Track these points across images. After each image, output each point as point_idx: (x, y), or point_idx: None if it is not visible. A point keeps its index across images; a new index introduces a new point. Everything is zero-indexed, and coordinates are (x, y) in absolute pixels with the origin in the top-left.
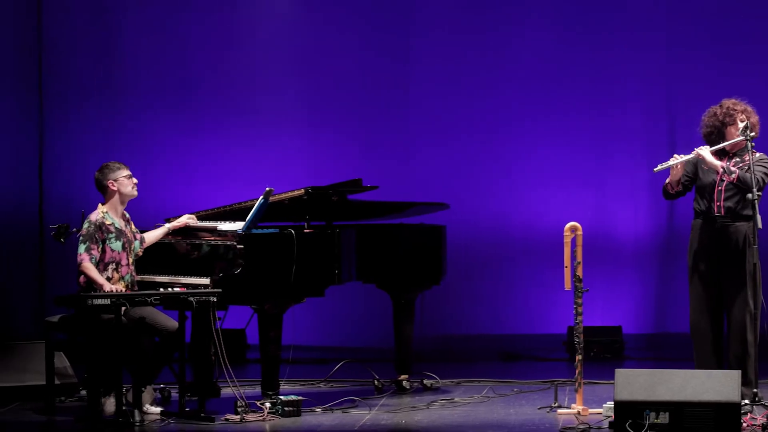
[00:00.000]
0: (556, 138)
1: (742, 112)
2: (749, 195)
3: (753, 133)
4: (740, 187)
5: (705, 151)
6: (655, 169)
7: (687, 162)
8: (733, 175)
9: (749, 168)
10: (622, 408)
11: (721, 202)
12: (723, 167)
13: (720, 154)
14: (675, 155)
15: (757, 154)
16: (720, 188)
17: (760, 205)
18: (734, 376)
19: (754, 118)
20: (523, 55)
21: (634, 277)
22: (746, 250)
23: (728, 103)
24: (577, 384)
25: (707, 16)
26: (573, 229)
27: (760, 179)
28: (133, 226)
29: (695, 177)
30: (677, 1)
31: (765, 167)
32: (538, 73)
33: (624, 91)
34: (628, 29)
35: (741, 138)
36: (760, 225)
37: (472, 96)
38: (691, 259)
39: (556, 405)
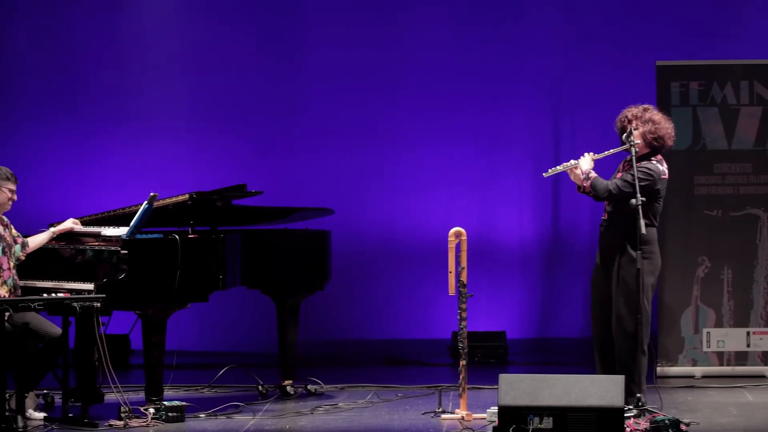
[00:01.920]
0: (441, 142)
1: (634, 120)
2: (633, 201)
3: (638, 141)
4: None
5: (585, 160)
6: (545, 174)
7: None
8: (587, 182)
9: (633, 175)
10: (506, 413)
11: (606, 207)
12: (584, 172)
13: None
14: (572, 160)
15: (644, 163)
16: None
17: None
18: (618, 381)
19: (650, 127)
20: (410, 60)
21: (518, 282)
22: (627, 255)
23: (627, 110)
24: (461, 389)
25: (593, 20)
26: (457, 235)
27: (615, 186)
28: (13, 230)
29: None
30: (563, 4)
31: (631, 177)
32: (424, 78)
33: (509, 95)
34: (515, 34)
35: (623, 147)
36: (643, 230)
37: (358, 101)
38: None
39: (440, 410)
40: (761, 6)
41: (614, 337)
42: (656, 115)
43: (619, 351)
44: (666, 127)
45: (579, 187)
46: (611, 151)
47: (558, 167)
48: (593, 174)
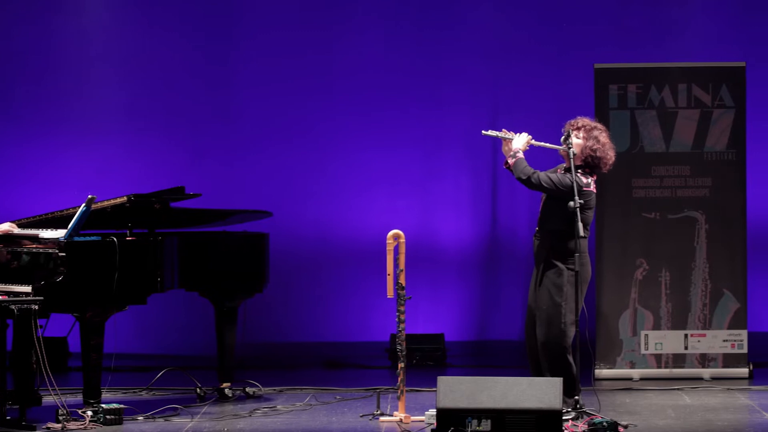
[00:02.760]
0: (380, 145)
1: (582, 129)
2: (571, 203)
3: (575, 150)
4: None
5: (519, 138)
6: (483, 132)
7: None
8: (513, 159)
9: (569, 177)
10: (444, 415)
11: (539, 211)
12: (513, 150)
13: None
14: (504, 130)
15: (578, 173)
16: (540, 198)
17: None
18: (556, 383)
19: (593, 144)
20: (349, 60)
21: (456, 285)
22: (551, 265)
23: (580, 118)
24: (399, 391)
25: (532, 23)
26: (396, 237)
27: (538, 177)
28: None
29: None
30: (501, 7)
31: (557, 177)
32: (363, 80)
33: (448, 97)
34: (453, 36)
35: (561, 147)
36: (581, 233)
37: (296, 102)
38: None
39: (378, 412)
40: (699, 9)
41: (539, 345)
42: (604, 138)
43: (546, 358)
44: (609, 153)
45: (506, 163)
46: (548, 144)
47: (499, 133)
48: (521, 155)
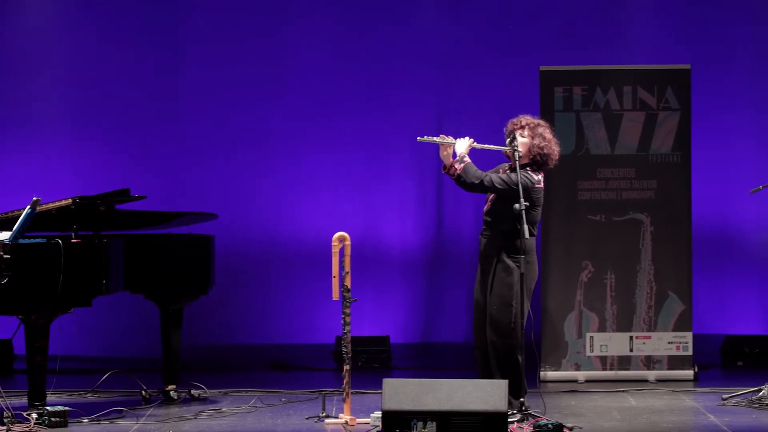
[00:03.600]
0: (326, 147)
1: (526, 128)
2: (516, 205)
3: (520, 149)
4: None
5: (462, 141)
6: (419, 138)
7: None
8: (461, 165)
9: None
10: (390, 417)
11: (485, 217)
12: (459, 155)
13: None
14: (442, 135)
15: (524, 171)
16: (486, 197)
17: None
18: (501, 385)
19: (539, 141)
20: (294, 63)
21: (402, 287)
22: (502, 263)
23: (522, 117)
24: (344, 394)
25: (477, 25)
26: (341, 239)
27: (490, 180)
28: None
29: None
30: (448, 9)
31: (507, 177)
32: (309, 82)
33: (394, 100)
34: (399, 38)
35: (506, 148)
36: (527, 235)
37: (242, 105)
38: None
39: (323, 415)
40: (644, 12)
41: (489, 345)
42: (548, 134)
43: (495, 358)
44: (554, 149)
45: (444, 167)
46: (491, 146)
47: (435, 138)
48: (468, 159)
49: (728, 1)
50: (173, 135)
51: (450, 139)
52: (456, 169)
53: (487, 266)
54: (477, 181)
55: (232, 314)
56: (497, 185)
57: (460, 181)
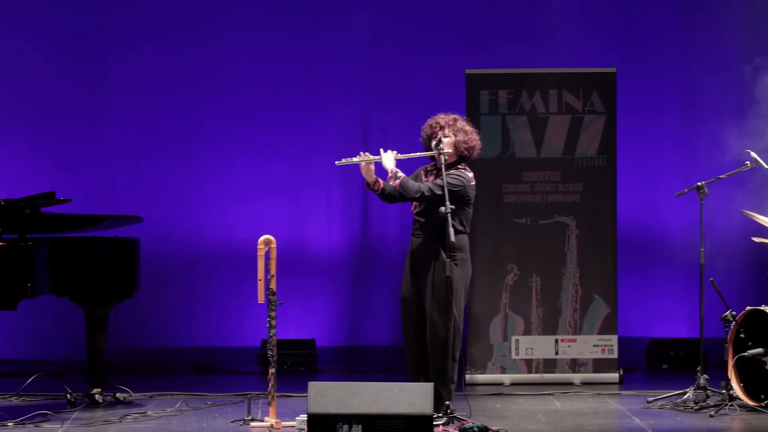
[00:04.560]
0: (252, 150)
1: (447, 127)
2: (442, 208)
3: (447, 150)
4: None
5: (388, 156)
6: (337, 162)
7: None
8: (397, 181)
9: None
10: (315, 421)
11: (416, 217)
12: (391, 171)
13: (434, 169)
14: (362, 153)
15: (452, 171)
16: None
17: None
18: (427, 388)
19: (463, 137)
20: (222, 68)
21: (327, 290)
22: (441, 262)
23: (437, 117)
24: (270, 397)
25: (404, 29)
26: (267, 242)
27: (428, 188)
28: None
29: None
30: (374, 14)
31: (442, 181)
32: (235, 85)
33: (319, 103)
34: (325, 39)
35: (432, 152)
36: (452, 237)
37: (169, 108)
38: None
39: (249, 418)
40: (570, 16)
41: (428, 345)
42: (467, 126)
43: (432, 358)
44: (476, 138)
45: (368, 184)
46: (417, 154)
47: (354, 158)
48: (401, 173)
49: (654, 5)
50: (100, 139)
51: (371, 157)
52: (395, 185)
53: (421, 267)
54: (418, 195)
55: (158, 317)
56: (437, 192)
57: (390, 196)
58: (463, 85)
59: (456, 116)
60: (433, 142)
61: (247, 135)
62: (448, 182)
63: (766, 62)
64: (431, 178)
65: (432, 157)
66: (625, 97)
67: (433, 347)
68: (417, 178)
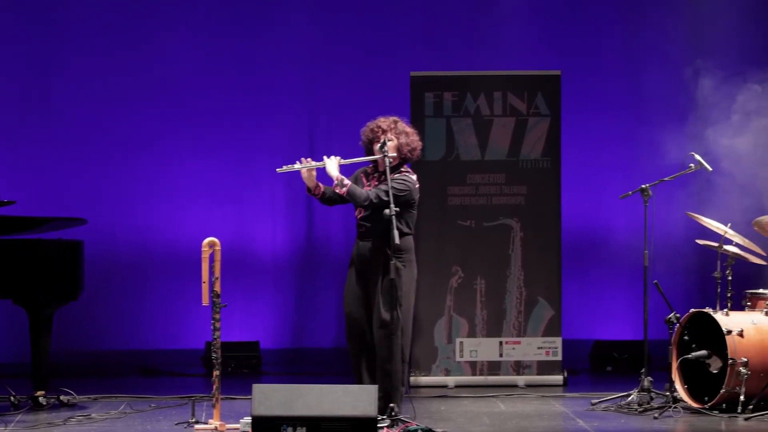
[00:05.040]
0: (197, 153)
1: (389, 131)
2: (386, 211)
3: (392, 154)
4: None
5: (331, 162)
6: (278, 169)
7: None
8: (344, 189)
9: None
10: (260, 423)
11: (361, 220)
12: (336, 179)
13: (374, 172)
14: (303, 159)
15: (397, 175)
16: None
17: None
18: (371, 390)
19: (405, 139)
20: (167, 69)
21: (272, 292)
22: (392, 263)
23: (378, 121)
24: (214, 399)
25: (349, 31)
26: (211, 245)
27: (376, 195)
28: None
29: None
30: (319, 16)
31: (388, 187)
32: (180, 89)
33: (265, 106)
34: (269, 42)
35: (376, 156)
36: (397, 240)
37: (114, 110)
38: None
39: (193, 420)
40: (515, 18)
41: (377, 348)
42: (407, 128)
43: (381, 361)
44: (417, 139)
45: (309, 189)
46: (361, 159)
47: (296, 165)
48: (347, 180)
49: (598, 8)
50: (45, 141)
51: (314, 164)
52: (342, 193)
53: (369, 270)
54: (367, 203)
55: (103, 319)
56: (385, 197)
57: (330, 200)
58: (408, 87)
59: (396, 118)
60: (377, 146)
61: (191, 138)
62: (394, 187)
63: (707, 64)
64: (374, 182)
65: (373, 160)
66: (570, 99)
67: (382, 350)
68: (357, 181)
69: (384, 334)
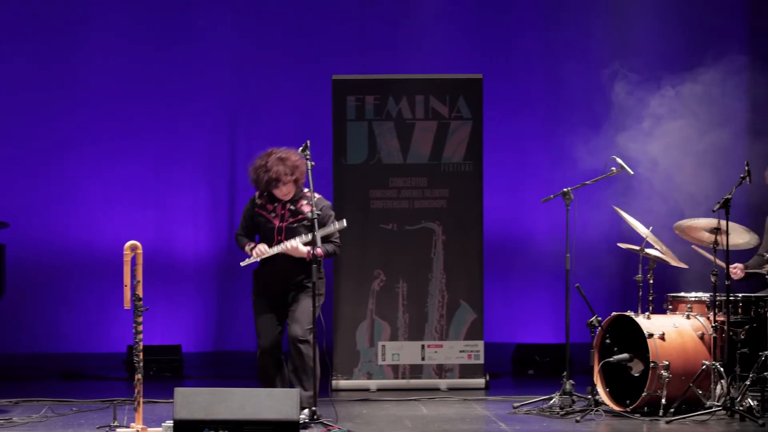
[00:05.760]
0: (118, 156)
1: (292, 174)
2: (309, 214)
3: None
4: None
5: (294, 244)
6: (242, 263)
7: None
8: (322, 252)
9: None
10: (182, 427)
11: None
12: (309, 253)
13: (274, 199)
14: (259, 250)
15: (311, 197)
16: (280, 235)
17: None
18: (293, 394)
19: (300, 174)
20: (91, 71)
21: (194, 296)
22: (310, 279)
23: (272, 171)
24: (136, 403)
25: (270, 35)
26: (133, 248)
27: (333, 248)
28: None
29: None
30: (242, 19)
31: (329, 229)
32: (102, 90)
33: (186, 110)
34: (192, 45)
35: (313, 213)
36: (319, 243)
37: (34, 112)
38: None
39: (115, 424)
40: (438, 22)
41: (297, 357)
42: (292, 156)
43: (303, 369)
44: (299, 158)
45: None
46: (323, 231)
47: (251, 258)
48: (319, 249)
49: (519, 12)
50: None
51: (274, 250)
52: (323, 255)
53: (286, 289)
54: (338, 249)
55: (24, 323)
56: (338, 242)
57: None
58: (330, 91)
59: (280, 155)
60: (285, 186)
61: (113, 140)
62: (318, 214)
63: (623, 68)
64: (280, 209)
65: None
66: (492, 102)
67: (304, 359)
68: (255, 218)
69: (306, 345)
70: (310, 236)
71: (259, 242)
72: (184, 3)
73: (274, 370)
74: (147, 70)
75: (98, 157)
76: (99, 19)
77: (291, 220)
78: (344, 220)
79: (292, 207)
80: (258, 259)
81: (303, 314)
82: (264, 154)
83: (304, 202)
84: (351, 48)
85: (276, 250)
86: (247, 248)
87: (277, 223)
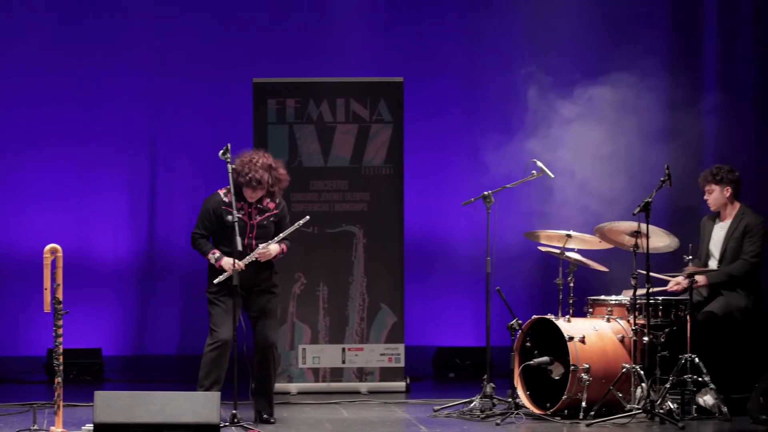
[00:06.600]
0: (38, 158)
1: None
2: (229, 218)
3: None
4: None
5: (268, 247)
6: (215, 281)
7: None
8: (285, 245)
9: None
10: (102, 430)
11: (254, 241)
12: (280, 252)
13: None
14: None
15: (277, 202)
16: (251, 233)
17: None
18: (213, 397)
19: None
20: (8, 73)
21: (114, 299)
22: (272, 281)
23: (256, 160)
24: (56, 406)
25: (191, 37)
26: (53, 251)
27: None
28: None
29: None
30: (159, 22)
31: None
32: (22, 91)
33: (105, 113)
34: (112, 48)
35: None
36: (239, 246)
37: None
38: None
39: (35, 428)
40: (358, 26)
41: (263, 364)
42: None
43: (267, 376)
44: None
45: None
46: (291, 229)
47: (220, 278)
48: (284, 245)
49: (439, 16)
50: None
51: (252, 255)
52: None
53: (249, 289)
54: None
55: None
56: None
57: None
58: (251, 94)
59: (271, 163)
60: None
61: (33, 142)
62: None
63: (539, 70)
64: (247, 207)
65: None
66: (413, 105)
67: (274, 364)
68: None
69: (272, 351)
70: (274, 238)
71: (219, 241)
72: (104, 7)
73: (224, 363)
74: (66, 73)
75: (17, 158)
76: (19, 22)
77: (259, 218)
78: (307, 216)
79: (259, 205)
80: (232, 274)
81: (275, 319)
82: (258, 152)
83: (268, 199)
84: (273, 52)
85: (248, 260)
86: (211, 257)
87: (247, 220)
